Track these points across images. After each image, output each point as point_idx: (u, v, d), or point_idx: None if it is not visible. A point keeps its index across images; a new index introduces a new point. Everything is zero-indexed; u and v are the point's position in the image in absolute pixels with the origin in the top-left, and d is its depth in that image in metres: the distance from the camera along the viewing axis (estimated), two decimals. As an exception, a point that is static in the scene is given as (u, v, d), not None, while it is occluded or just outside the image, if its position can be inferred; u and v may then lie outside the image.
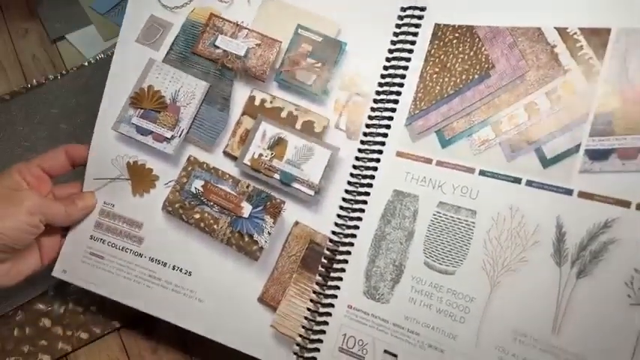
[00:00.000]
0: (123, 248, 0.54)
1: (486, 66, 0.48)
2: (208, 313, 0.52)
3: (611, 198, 0.42)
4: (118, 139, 0.56)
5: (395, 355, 0.46)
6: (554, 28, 0.46)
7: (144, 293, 0.53)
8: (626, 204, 0.41)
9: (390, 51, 0.54)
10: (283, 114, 0.55)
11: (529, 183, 0.45)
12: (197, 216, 0.52)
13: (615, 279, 0.41)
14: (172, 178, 0.54)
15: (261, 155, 0.53)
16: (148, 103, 0.55)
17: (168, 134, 0.54)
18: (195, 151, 0.55)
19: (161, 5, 0.59)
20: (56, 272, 0.54)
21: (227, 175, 0.53)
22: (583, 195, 0.43)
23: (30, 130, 0.67)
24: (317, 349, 0.49)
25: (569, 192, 0.43)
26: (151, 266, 0.53)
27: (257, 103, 0.55)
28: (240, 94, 0.56)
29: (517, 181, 0.45)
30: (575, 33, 0.45)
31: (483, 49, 0.49)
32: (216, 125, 0.55)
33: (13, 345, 0.57)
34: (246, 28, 0.56)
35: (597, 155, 0.43)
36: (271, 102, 0.55)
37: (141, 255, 0.54)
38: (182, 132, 0.54)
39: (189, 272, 0.53)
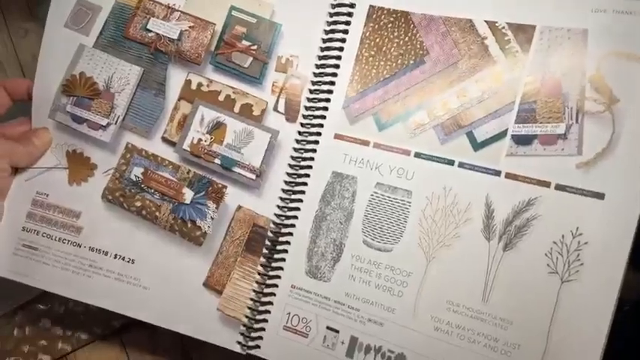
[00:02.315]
0: (59, 239, 0.53)
1: (421, 52, 0.50)
2: (154, 300, 0.52)
3: (533, 179, 0.46)
4: (56, 127, 0.54)
5: (337, 331, 0.49)
6: (485, 21, 0.48)
7: (84, 284, 0.52)
8: (546, 184, 0.45)
9: (326, 32, 0.54)
10: (221, 97, 0.54)
11: (461, 165, 0.48)
12: (138, 204, 0.52)
13: (536, 251, 0.45)
14: (111, 166, 0.53)
15: (200, 140, 0.53)
16: (80, 90, 0.53)
17: (104, 122, 0.53)
18: (133, 138, 0.54)
19: (88, -13, 0.56)
20: None
21: (167, 162, 0.53)
22: (509, 176, 0.46)
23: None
24: (263, 329, 0.50)
25: (497, 173, 0.47)
26: (91, 256, 0.53)
27: (193, 87, 0.55)
28: (176, 78, 0.55)
29: (450, 162, 0.48)
30: (504, 27, 0.48)
31: (418, 35, 0.50)
32: (153, 111, 0.54)
33: (13, 345, 0.57)
34: (178, 11, 0.55)
35: (522, 140, 0.46)
36: (208, 85, 0.55)
37: (79, 245, 0.53)
38: (118, 119, 0.53)
39: (132, 260, 0.52)
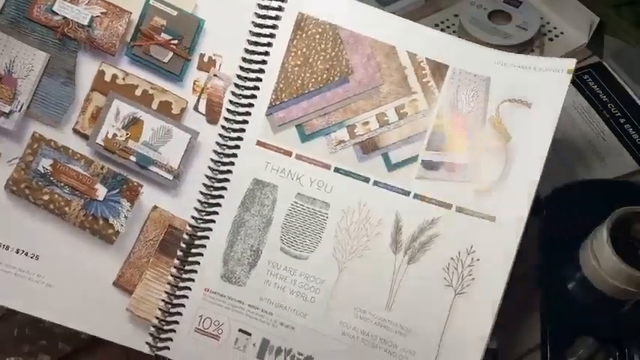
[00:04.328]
0: None
1: (346, 70, 0.52)
2: (58, 299, 0.50)
3: (437, 200, 0.51)
4: None
5: (249, 333, 0.51)
6: (407, 51, 0.52)
7: None
8: (448, 206, 0.51)
9: (252, 33, 0.53)
10: (137, 92, 0.53)
11: (375, 183, 0.52)
12: (46, 197, 0.49)
13: (436, 265, 0.50)
14: (16, 156, 0.50)
15: (115, 135, 0.51)
16: (-21, 73, 0.48)
17: (6, 108, 0.49)
18: (41, 127, 0.51)
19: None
20: None
21: (78, 155, 0.51)
22: (417, 197, 0.51)
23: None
24: (173, 330, 0.51)
25: (407, 193, 0.51)
26: None
27: (107, 78, 0.52)
28: (87, 67, 0.52)
29: (366, 180, 0.52)
30: (422, 61, 0.52)
31: (344, 52, 0.52)
32: (62, 100, 0.51)
33: (13, 345, 0.55)
34: (88, -6, 0.51)
35: (430, 165, 0.51)
36: (124, 78, 0.52)
37: None
38: (22, 106, 0.50)
39: (36, 256, 0.50)
